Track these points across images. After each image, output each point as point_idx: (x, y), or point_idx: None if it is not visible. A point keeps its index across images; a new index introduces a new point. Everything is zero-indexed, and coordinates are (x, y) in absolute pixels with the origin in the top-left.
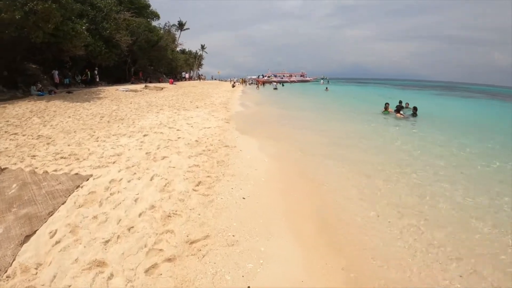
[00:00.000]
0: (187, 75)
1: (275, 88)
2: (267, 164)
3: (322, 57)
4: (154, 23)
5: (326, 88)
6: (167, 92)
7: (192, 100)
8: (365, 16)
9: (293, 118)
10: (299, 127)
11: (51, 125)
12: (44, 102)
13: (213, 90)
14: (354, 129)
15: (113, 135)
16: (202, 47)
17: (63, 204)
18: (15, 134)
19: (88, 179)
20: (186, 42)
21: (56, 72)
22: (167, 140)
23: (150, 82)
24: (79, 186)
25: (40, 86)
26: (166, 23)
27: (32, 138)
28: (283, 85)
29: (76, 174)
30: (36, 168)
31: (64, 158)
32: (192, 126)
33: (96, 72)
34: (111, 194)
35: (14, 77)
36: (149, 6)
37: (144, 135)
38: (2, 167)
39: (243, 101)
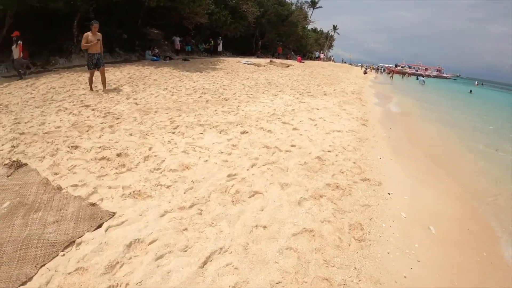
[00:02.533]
0: (322, 55)
1: (422, 83)
2: (436, 244)
3: (458, 52)
4: None
5: (470, 90)
6: (293, 71)
7: (320, 84)
8: None
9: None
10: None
11: (135, 99)
12: (152, 68)
13: (344, 74)
14: None
15: (200, 125)
16: (334, 27)
17: None
18: (87, 106)
19: (102, 224)
20: (318, 20)
21: (178, 38)
22: (273, 148)
23: (289, 58)
24: (80, 236)
25: (157, 51)
26: (298, 0)
27: (97, 116)
28: (419, 80)
29: (93, 205)
30: (56, 174)
31: (106, 159)
32: (316, 125)
33: (219, 41)
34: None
35: (133, 40)
36: None
37: (243, 132)
38: (22, 162)
39: (379, 93)
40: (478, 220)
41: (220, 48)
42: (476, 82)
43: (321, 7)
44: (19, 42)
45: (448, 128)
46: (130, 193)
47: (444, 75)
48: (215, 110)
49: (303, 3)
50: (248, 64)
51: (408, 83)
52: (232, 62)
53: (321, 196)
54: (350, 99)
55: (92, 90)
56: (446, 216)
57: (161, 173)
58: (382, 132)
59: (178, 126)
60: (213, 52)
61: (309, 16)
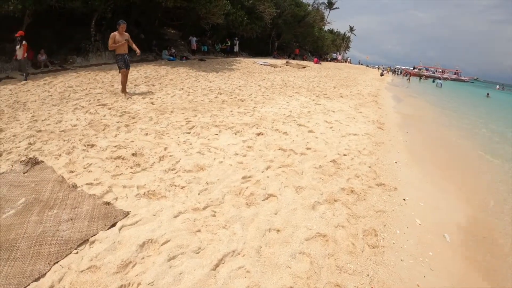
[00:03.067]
0: (339, 57)
1: (440, 86)
2: (450, 253)
3: (476, 55)
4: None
5: (488, 94)
6: (309, 72)
7: (336, 86)
8: None
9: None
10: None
11: (151, 98)
12: (168, 68)
13: (360, 76)
14: None
15: (215, 125)
16: (351, 28)
17: None
18: (104, 105)
19: (115, 223)
20: (335, 21)
21: (194, 38)
22: (288, 151)
23: (305, 59)
24: (94, 234)
25: (174, 51)
26: (315, 0)
27: (113, 115)
28: (437, 83)
29: (108, 203)
30: (72, 172)
31: (122, 158)
32: (331, 128)
33: (235, 42)
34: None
35: (150, 40)
36: None
37: (258, 134)
38: (38, 160)
39: (396, 96)
40: (495, 230)
41: (236, 48)
42: (498, 86)
43: (338, 8)
44: (24, 42)
45: (465, 134)
46: (144, 193)
47: (462, 78)
48: (231, 111)
49: (320, 4)
50: (264, 65)
51: (426, 86)
52: (249, 63)
53: (335, 201)
54: (366, 101)
55: (126, 92)
56: (462, 224)
57: (175, 173)
58: (399, 136)
59: (193, 126)
60: (229, 52)
61: (325, 17)
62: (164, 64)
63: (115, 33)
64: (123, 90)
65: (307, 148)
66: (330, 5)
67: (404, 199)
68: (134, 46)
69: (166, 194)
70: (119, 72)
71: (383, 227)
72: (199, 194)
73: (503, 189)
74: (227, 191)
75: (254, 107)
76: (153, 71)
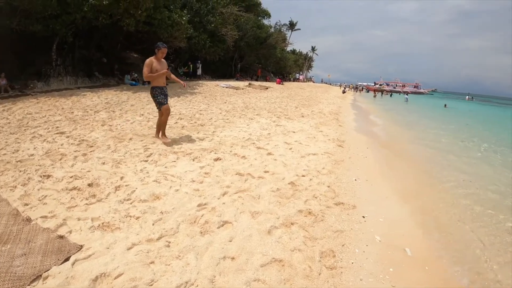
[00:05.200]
0: (301, 77)
1: (406, 101)
2: (412, 267)
3: (434, 68)
4: (265, 21)
5: (445, 104)
6: (271, 93)
7: (298, 106)
8: (488, 24)
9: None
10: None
11: (110, 125)
12: (130, 93)
13: (322, 95)
14: None
15: (173, 152)
16: (313, 48)
17: None
18: (62, 133)
19: (69, 257)
20: (296, 42)
21: None
22: (245, 175)
23: (268, 80)
24: (47, 270)
25: (136, 75)
26: (276, 22)
27: (70, 143)
28: (404, 98)
29: (61, 237)
30: (27, 204)
31: (77, 189)
32: (291, 149)
33: (198, 65)
34: None
35: (112, 64)
36: (260, 4)
37: (216, 159)
38: None
39: (357, 112)
40: (457, 239)
41: (199, 71)
42: (467, 97)
43: (299, 29)
44: None
45: (425, 147)
46: (99, 225)
47: (421, 90)
48: (190, 137)
49: (282, 26)
50: (226, 87)
51: (387, 100)
52: (211, 86)
53: (292, 224)
54: (327, 120)
55: (166, 137)
56: (423, 236)
57: (131, 203)
58: (359, 153)
59: (151, 154)
60: (192, 76)
61: (287, 38)
62: (126, 89)
63: (152, 59)
64: (163, 132)
65: (265, 172)
66: (291, 26)
67: (364, 217)
68: (174, 77)
69: (120, 226)
70: (159, 109)
71: (341, 247)
72: (153, 224)
73: (464, 201)
74: (182, 220)
75: (213, 132)
76: (114, 96)
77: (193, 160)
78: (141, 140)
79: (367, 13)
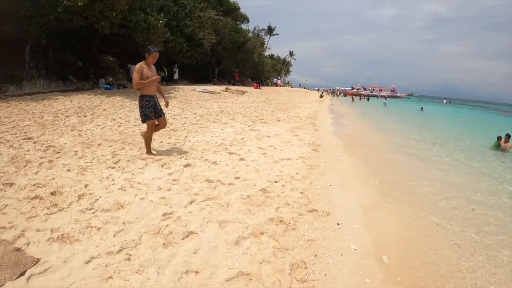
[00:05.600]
0: (279, 81)
1: (385, 105)
2: (390, 276)
3: (411, 72)
4: (243, 26)
5: (422, 107)
6: (248, 97)
7: (274, 110)
8: (462, 30)
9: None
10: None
11: (80, 130)
12: (103, 97)
13: (299, 99)
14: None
15: (142, 158)
16: (291, 53)
17: None
18: (29, 138)
19: (24, 271)
20: (275, 47)
21: (133, 66)
22: (215, 182)
23: (245, 84)
24: (2, 285)
25: (111, 79)
26: (255, 27)
27: (37, 149)
28: (383, 102)
29: (18, 250)
30: None
31: (39, 198)
32: (264, 154)
33: (175, 69)
34: None
35: (88, 68)
36: (239, 8)
37: (186, 165)
38: None
39: (334, 117)
40: (435, 243)
41: (176, 76)
42: (445, 100)
43: (278, 34)
44: None
45: (402, 149)
46: (58, 236)
47: (398, 94)
48: (161, 142)
49: (260, 30)
50: (203, 92)
51: (365, 104)
52: (187, 90)
53: (262, 233)
54: (303, 124)
55: (153, 154)
56: (401, 242)
57: (93, 213)
58: (334, 157)
59: (119, 160)
60: (168, 80)
61: (265, 43)
62: (100, 93)
63: (142, 64)
64: (148, 150)
65: (236, 178)
66: (270, 31)
67: (338, 224)
68: (162, 90)
69: (80, 238)
70: (143, 122)
71: (313, 258)
72: (114, 235)
73: (442, 205)
74: (144, 230)
75: (185, 137)
76: (87, 100)
77: (162, 167)
78: (110, 146)
79: (345, 19)
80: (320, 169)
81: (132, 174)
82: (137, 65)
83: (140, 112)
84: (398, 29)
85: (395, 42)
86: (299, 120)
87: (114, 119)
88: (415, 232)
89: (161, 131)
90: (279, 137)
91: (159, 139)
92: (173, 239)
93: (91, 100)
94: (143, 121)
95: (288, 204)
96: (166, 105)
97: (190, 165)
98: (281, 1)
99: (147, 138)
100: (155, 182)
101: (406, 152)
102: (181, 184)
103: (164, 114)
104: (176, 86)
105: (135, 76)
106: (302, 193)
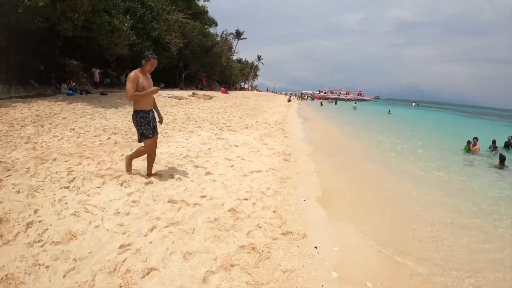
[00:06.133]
0: (246, 86)
1: (355, 108)
2: None
3: (378, 76)
4: (212, 30)
5: (389, 110)
6: (215, 103)
7: (242, 116)
8: (427, 35)
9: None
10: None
11: (35, 143)
12: (64, 104)
13: (267, 104)
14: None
15: (100, 175)
16: (259, 57)
17: None
18: None
19: None
20: (243, 51)
21: (97, 70)
22: (179, 202)
23: (213, 89)
24: None
25: (74, 84)
26: (223, 31)
27: None
28: (352, 106)
29: None
30: None
31: None
32: (232, 166)
33: None
34: None
35: (50, 72)
36: (207, 12)
37: (148, 183)
38: None
39: (304, 122)
40: (421, 262)
41: None
42: (414, 104)
43: (246, 38)
44: None
45: (374, 156)
46: (1, 278)
47: (365, 98)
48: (122, 155)
49: (228, 34)
50: (169, 97)
51: (334, 108)
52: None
53: (232, 266)
54: (272, 130)
55: (153, 175)
56: (384, 264)
57: (41, 246)
58: (306, 167)
59: (74, 178)
60: None
61: (234, 47)
62: (61, 100)
63: (138, 73)
64: (149, 171)
65: (202, 196)
66: (238, 35)
67: (316, 247)
68: (157, 107)
69: (25, 280)
70: (140, 141)
71: None
72: (64, 276)
73: (424, 216)
74: (99, 268)
75: None
76: (47, 108)
77: (121, 185)
78: (66, 161)
79: (314, 23)
80: (292, 182)
81: (88, 195)
82: (132, 73)
83: (137, 131)
84: (366, 34)
85: (363, 46)
86: (268, 126)
87: (73, 129)
88: (400, 251)
89: (123, 142)
90: (248, 146)
91: (120, 152)
92: (131, 279)
93: (51, 107)
94: (139, 141)
95: (260, 227)
96: (160, 122)
97: (151, 183)
98: (250, 5)
99: (150, 158)
100: (112, 205)
101: (378, 162)
102: (141, 206)
103: (157, 133)
104: None
105: (129, 86)
106: (274, 212)
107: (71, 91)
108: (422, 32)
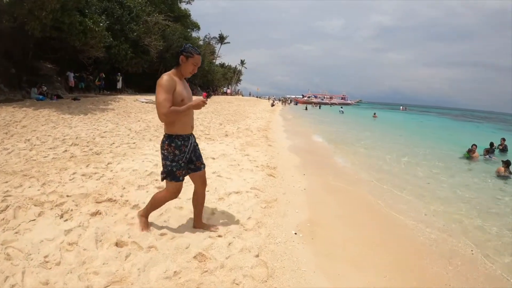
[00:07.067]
0: (228, 90)
1: (341, 112)
2: None
3: (359, 80)
4: (194, 34)
5: (374, 113)
6: None
7: (223, 122)
8: (406, 40)
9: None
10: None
11: None
12: (30, 110)
13: (250, 109)
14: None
15: (40, 203)
16: (242, 62)
17: None
18: None
19: None
20: (225, 55)
21: (72, 74)
22: (130, 244)
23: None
24: None
25: (45, 88)
26: (206, 35)
27: None
28: (339, 111)
29: None
30: None
31: None
32: (207, 191)
33: (118, 78)
34: None
35: (21, 75)
36: (189, 15)
37: (94, 214)
38: None
39: (289, 129)
40: None
41: (119, 85)
42: (402, 107)
43: (229, 42)
44: None
45: (367, 166)
46: None
47: (348, 102)
48: (74, 173)
49: (211, 38)
50: (146, 102)
51: (319, 112)
52: (129, 101)
53: None
54: (255, 138)
55: (206, 224)
56: None
57: None
58: (295, 184)
59: (8, 206)
60: (104, 88)
61: (216, 51)
62: (28, 105)
63: (173, 76)
64: (198, 219)
65: (161, 235)
66: (221, 39)
67: None
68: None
69: None
70: (163, 180)
71: None
72: None
73: (424, 242)
74: None
75: (108, 164)
76: (9, 114)
77: (61, 217)
78: (6, 182)
79: (295, 28)
80: (280, 206)
81: (16, 232)
82: (165, 78)
83: (164, 164)
84: (347, 38)
85: (344, 51)
86: (250, 133)
87: (28, 140)
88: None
89: (80, 156)
90: (227, 158)
91: (72, 169)
92: None
93: (13, 114)
94: (163, 179)
95: (237, 284)
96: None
97: (99, 214)
98: (233, 9)
99: (159, 203)
100: (42, 248)
101: (378, 178)
102: (78, 251)
103: (204, 166)
104: (119, 96)
105: (162, 98)
106: (257, 256)
107: (41, 96)
108: (401, 36)
